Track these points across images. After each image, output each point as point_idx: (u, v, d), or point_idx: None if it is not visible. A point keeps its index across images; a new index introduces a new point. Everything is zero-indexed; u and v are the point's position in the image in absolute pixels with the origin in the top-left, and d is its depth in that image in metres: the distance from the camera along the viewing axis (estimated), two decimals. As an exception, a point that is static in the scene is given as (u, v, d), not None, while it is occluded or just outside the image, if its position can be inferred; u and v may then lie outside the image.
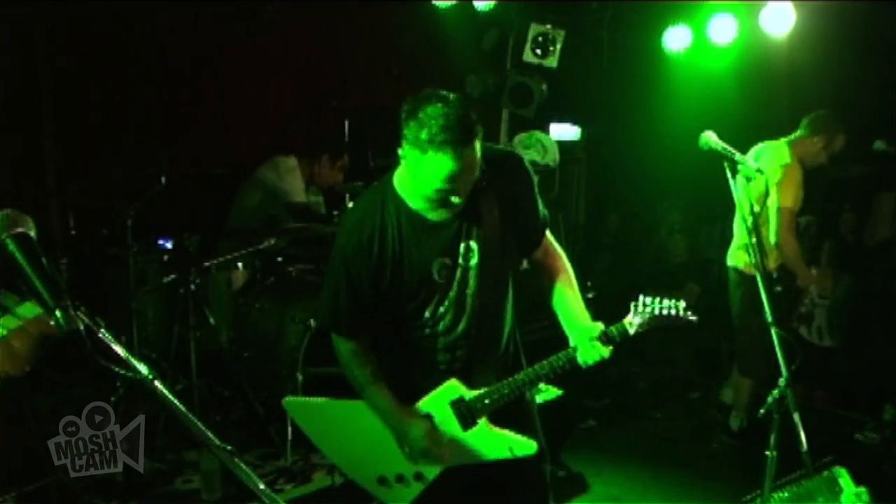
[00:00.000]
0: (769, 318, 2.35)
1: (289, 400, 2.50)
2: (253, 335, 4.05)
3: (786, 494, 2.34)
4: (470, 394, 2.30)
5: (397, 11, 5.95)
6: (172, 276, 3.88)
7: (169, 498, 3.40)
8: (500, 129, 6.62)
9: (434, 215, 2.16)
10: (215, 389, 4.09)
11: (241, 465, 1.26)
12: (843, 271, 5.41)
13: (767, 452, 2.45)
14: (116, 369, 1.26)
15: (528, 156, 5.94)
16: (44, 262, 1.30)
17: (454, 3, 5.67)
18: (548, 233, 2.42)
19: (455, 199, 2.07)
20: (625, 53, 6.33)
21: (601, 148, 5.43)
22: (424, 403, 2.33)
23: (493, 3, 5.67)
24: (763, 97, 5.19)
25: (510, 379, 2.29)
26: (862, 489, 2.37)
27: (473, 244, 2.23)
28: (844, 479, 2.25)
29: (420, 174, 2.02)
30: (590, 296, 5.43)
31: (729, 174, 2.56)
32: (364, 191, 2.36)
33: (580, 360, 2.22)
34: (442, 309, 2.27)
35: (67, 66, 4.54)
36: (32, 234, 1.35)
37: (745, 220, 2.63)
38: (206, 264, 4.07)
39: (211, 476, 3.33)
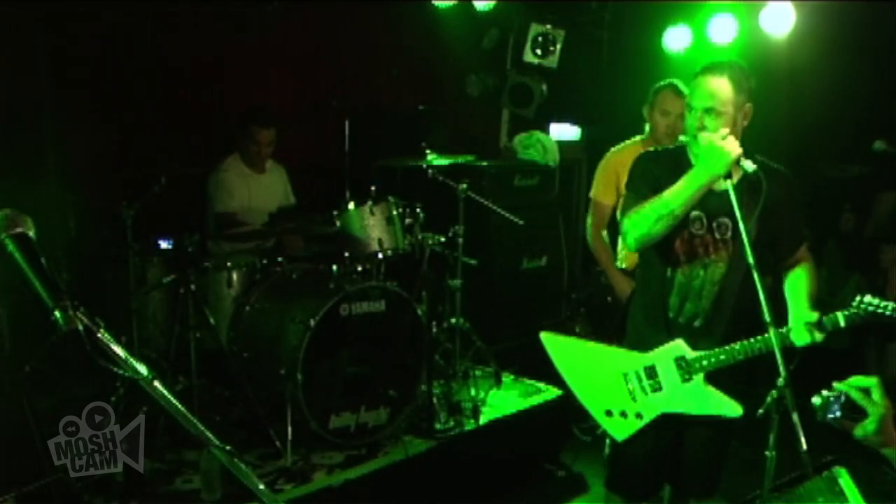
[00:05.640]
0: (767, 317, 2.35)
1: (545, 334, 2.89)
2: (253, 335, 4.05)
3: (786, 495, 2.34)
4: (691, 354, 2.67)
5: (397, 11, 5.95)
6: (172, 276, 3.88)
7: (169, 498, 3.39)
8: (501, 129, 6.63)
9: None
10: (215, 389, 4.08)
11: (241, 465, 1.26)
12: (848, 271, 5.40)
13: (767, 452, 2.46)
14: (116, 369, 1.27)
15: (528, 156, 5.95)
16: (43, 262, 1.31)
17: (454, 3, 5.67)
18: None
19: (707, 122, 2.66)
20: (625, 53, 6.32)
21: (601, 148, 5.39)
22: (652, 356, 2.72)
23: (493, 3, 5.68)
24: (763, 97, 5.16)
25: (726, 347, 2.62)
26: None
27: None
28: (844, 479, 2.24)
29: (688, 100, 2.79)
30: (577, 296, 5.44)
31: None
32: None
33: (794, 340, 2.53)
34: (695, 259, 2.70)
35: (66, 67, 4.53)
36: (31, 234, 1.35)
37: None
38: (206, 264, 4.07)
39: (211, 476, 3.33)
